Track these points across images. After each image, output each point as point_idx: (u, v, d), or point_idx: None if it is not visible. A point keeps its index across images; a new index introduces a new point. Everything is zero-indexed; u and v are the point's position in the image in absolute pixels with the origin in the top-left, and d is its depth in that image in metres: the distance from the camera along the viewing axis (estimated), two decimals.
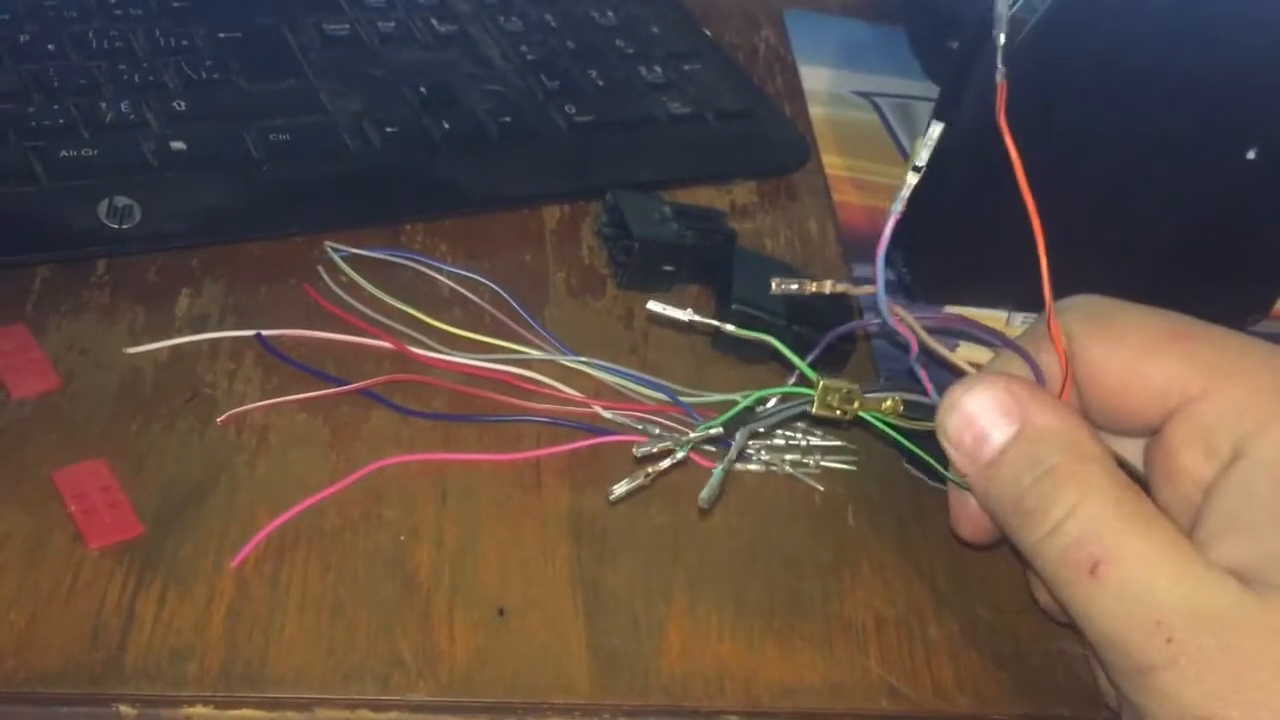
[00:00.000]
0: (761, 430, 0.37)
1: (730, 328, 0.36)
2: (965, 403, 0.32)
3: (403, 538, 0.36)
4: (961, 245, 0.46)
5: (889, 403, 0.35)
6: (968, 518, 0.36)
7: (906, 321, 0.34)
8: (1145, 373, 0.33)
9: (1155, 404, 0.33)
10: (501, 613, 0.35)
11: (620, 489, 0.35)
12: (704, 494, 0.34)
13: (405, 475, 0.38)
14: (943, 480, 0.40)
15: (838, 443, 0.41)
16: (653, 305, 0.36)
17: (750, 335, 0.36)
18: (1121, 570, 0.29)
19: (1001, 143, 0.36)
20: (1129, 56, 0.42)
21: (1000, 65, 0.34)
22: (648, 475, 0.35)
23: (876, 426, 0.35)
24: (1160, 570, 0.28)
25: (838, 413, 0.35)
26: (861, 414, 0.35)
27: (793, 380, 0.36)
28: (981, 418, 0.32)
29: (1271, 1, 0.41)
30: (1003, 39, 0.36)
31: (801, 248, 0.50)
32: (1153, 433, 0.34)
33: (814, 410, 0.35)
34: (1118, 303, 0.35)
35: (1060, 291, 0.35)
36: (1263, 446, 0.30)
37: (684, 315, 0.36)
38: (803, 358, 0.37)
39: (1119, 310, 0.34)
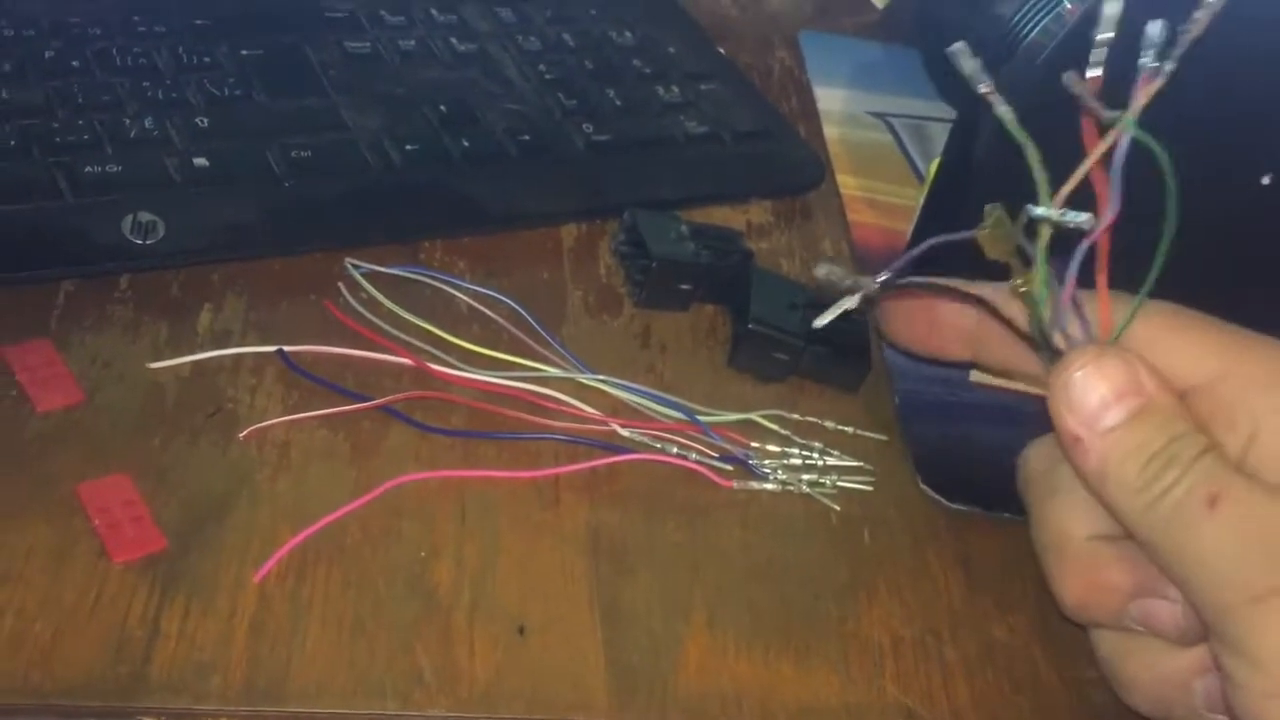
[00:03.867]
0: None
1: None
2: (1095, 367, 0.32)
3: (423, 554, 0.36)
4: (978, 263, 0.46)
5: (1021, 280, 0.33)
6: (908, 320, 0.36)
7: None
8: (1169, 350, 0.33)
9: (1177, 382, 0.33)
10: (521, 630, 0.35)
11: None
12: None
13: (425, 491, 0.38)
14: (958, 500, 0.41)
15: (854, 463, 0.42)
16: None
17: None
18: (1239, 502, 0.30)
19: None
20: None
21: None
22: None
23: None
24: (1272, 506, 0.30)
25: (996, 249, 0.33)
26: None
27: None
28: (1111, 384, 0.32)
29: None
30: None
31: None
32: None
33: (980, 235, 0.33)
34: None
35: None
36: (1276, 419, 0.32)
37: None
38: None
39: (1156, 301, 0.35)
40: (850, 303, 0.34)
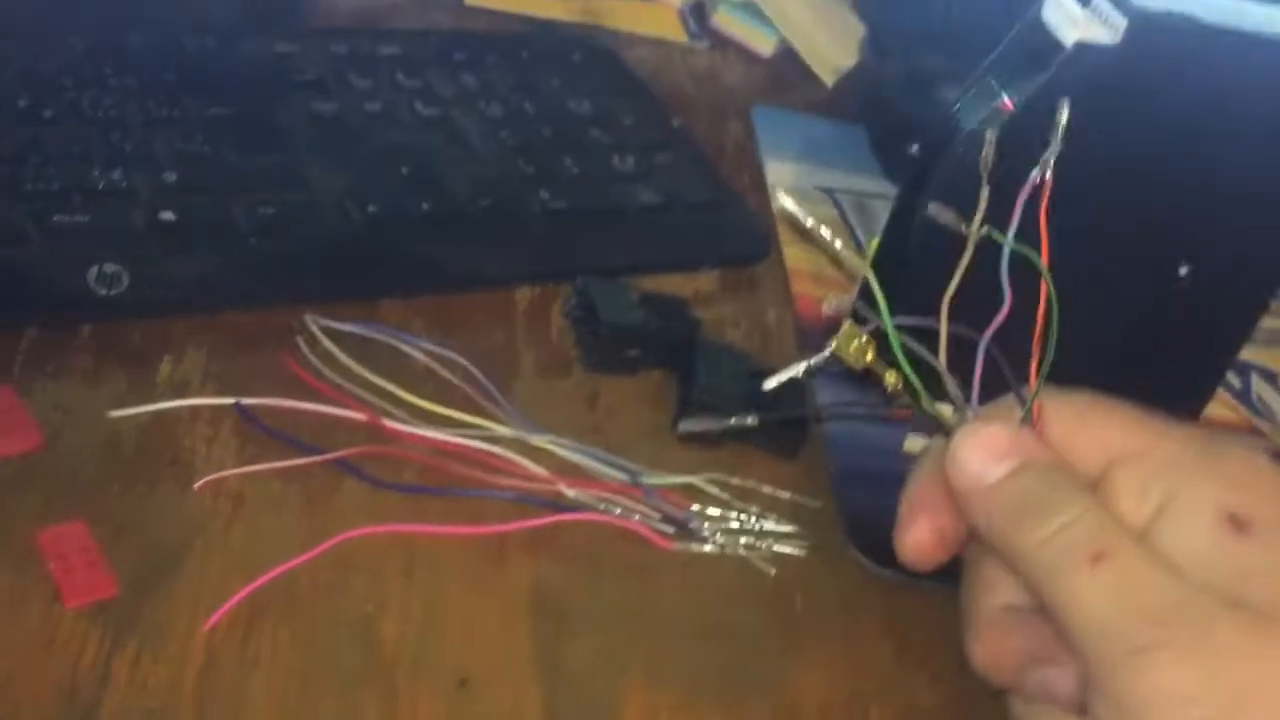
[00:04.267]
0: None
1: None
2: (981, 434, 0.35)
3: (370, 607, 0.38)
4: (912, 334, 0.48)
5: (892, 376, 0.36)
6: (918, 532, 0.37)
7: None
8: (1089, 428, 0.36)
9: (1095, 458, 0.36)
10: (463, 683, 0.36)
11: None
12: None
13: (374, 545, 0.39)
14: (888, 566, 0.42)
15: (790, 528, 0.43)
16: (684, 426, 0.37)
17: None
18: (1121, 562, 0.32)
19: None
20: (1075, 174, 0.45)
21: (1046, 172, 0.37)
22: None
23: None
24: (1155, 568, 0.32)
25: (853, 358, 0.36)
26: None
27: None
28: (993, 446, 0.35)
29: (1204, 132, 0.44)
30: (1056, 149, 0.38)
31: (761, 337, 0.53)
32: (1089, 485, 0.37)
33: (834, 349, 0.36)
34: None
35: (991, 389, 0.37)
36: (1188, 491, 0.34)
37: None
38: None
39: (1070, 388, 0.37)
40: (798, 369, 0.36)
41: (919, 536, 0.37)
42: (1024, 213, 0.38)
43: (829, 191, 0.62)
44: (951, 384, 0.36)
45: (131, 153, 0.48)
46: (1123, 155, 0.44)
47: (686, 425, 0.38)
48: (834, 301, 0.37)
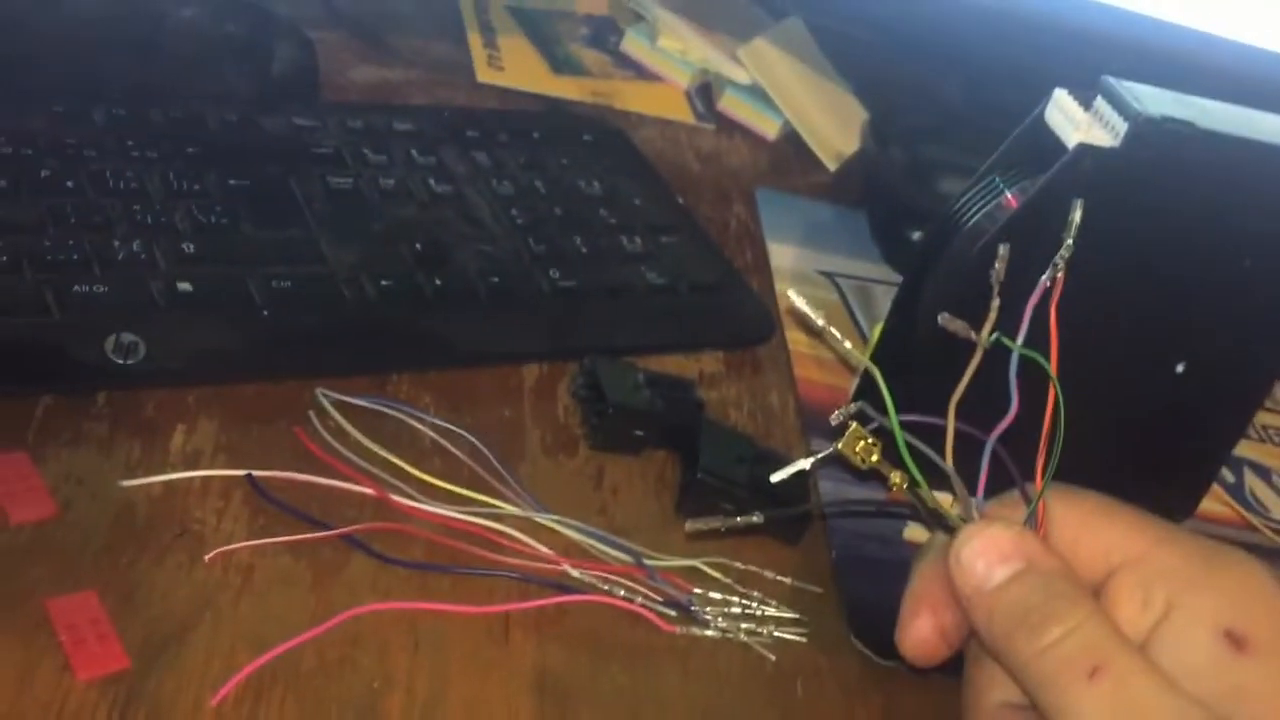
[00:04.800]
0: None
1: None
2: (984, 536, 0.36)
3: (375, 684, 0.38)
4: (917, 430, 0.49)
5: (898, 477, 0.37)
6: (919, 629, 0.38)
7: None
8: (1096, 531, 0.37)
9: (1100, 561, 0.37)
10: None
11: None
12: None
13: (381, 621, 0.40)
14: (888, 657, 0.43)
15: (791, 614, 0.44)
16: (691, 526, 0.38)
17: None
18: (1119, 676, 0.32)
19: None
20: (1074, 271, 0.46)
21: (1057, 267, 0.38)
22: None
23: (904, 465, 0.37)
24: (1152, 682, 0.32)
25: (858, 459, 0.37)
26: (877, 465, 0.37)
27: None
28: (996, 549, 0.35)
29: (1203, 234, 0.45)
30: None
31: (764, 419, 0.53)
32: (1092, 590, 0.37)
33: (839, 449, 0.37)
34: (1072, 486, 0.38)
35: (993, 488, 0.38)
36: (1191, 600, 0.35)
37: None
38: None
39: (1073, 487, 0.38)
40: (805, 464, 0.37)
41: (921, 634, 0.38)
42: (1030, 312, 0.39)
43: (830, 276, 0.63)
44: (959, 484, 0.37)
45: (151, 223, 0.49)
46: (1121, 255, 0.45)
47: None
48: (841, 415, 0.38)
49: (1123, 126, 0.43)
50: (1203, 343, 0.47)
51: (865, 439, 0.37)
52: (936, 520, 0.38)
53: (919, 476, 0.37)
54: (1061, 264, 0.38)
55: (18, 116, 0.51)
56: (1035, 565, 0.35)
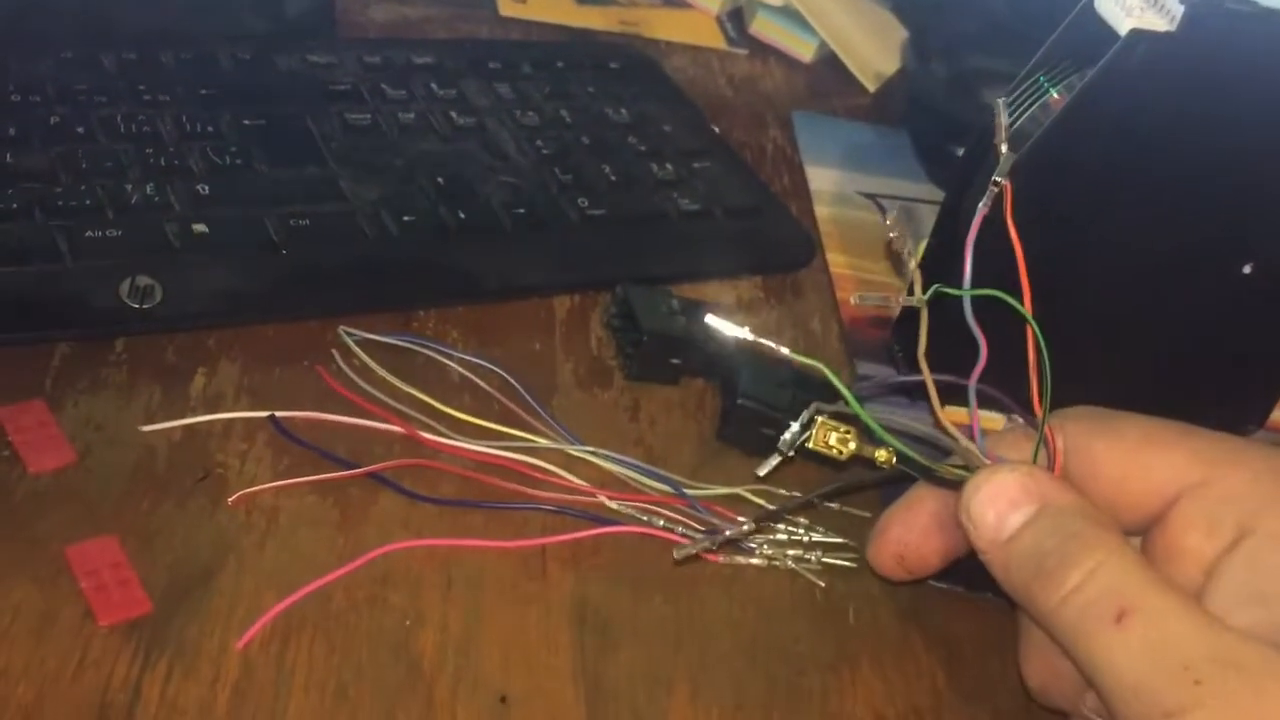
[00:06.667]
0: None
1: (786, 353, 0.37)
2: (989, 485, 0.33)
3: (408, 622, 0.36)
4: (963, 348, 0.47)
5: (883, 453, 0.36)
6: (876, 555, 0.39)
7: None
8: (1147, 464, 0.34)
9: (1155, 494, 0.34)
10: (504, 700, 0.35)
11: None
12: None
13: (411, 560, 0.38)
14: (943, 579, 0.41)
15: (839, 540, 0.42)
16: (711, 319, 0.36)
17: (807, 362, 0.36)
18: (1149, 617, 0.29)
19: (1006, 247, 0.37)
20: (1130, 170, 0.43)
21: (1003, 175, 0.36)
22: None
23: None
24: (1186, 619, 0.29)
25: (834, 451, 0.36)
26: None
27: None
28: (1005, 496, 0.33)
29: (1267, 122, 0.42)
30: (1004, 149, 0.38)
31: (805, 344, 0.51)
32: (1145, 528, 0.35)
33: (811, 444, 0.36)
34: (1114, 410, 0.36)
35: (1055, 401, 0.36)
36: (1268, 523, 0.32)
37: (742, 332, 0.36)
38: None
39: (1117, 415, 0.36)
40: (785, 452, 0.36)
41: (879, 558, 0.39)
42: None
43: (872, 197, 0.61)
44: (954, 433, 0.35)
45: (164, 166, 0.47)
46: (1178, 150, 0.43)
47: (763, 469, 0.37)
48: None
49: (1179, 9, 0.40)
50: (1270, 241, 0.44)
51: (836, 429, 0.35)
52: (942, 482, 0.36)
53: (902, 447, 0.35)
54: (998, 190, 0.36)
55: (27, 64, 0.50)
56: (1049, 505, 0.32)
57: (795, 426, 0.35)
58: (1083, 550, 0.31)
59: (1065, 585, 0.31)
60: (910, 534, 0.38)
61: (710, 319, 0.35)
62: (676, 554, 0.36)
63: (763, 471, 0.36)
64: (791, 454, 0.36)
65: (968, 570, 0.41)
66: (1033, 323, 0.34)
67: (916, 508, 0.38)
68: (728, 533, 0.37)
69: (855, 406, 0.34)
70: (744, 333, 0.35)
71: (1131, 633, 0.29)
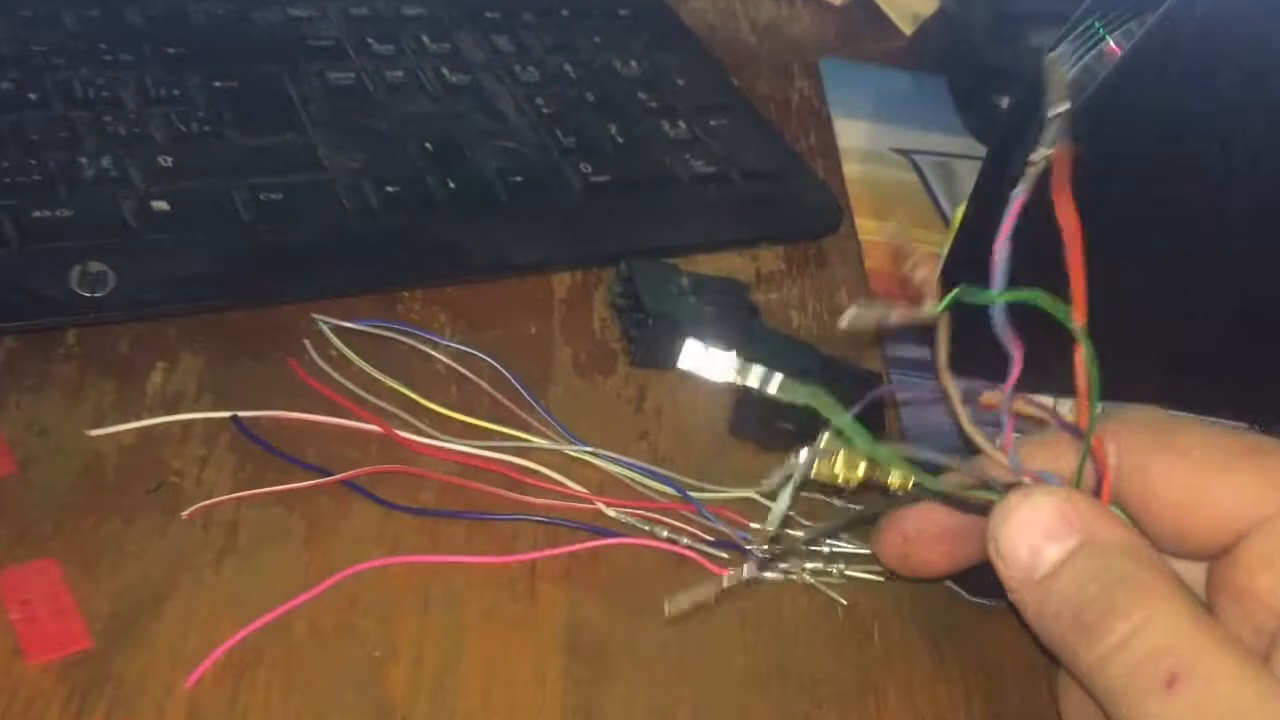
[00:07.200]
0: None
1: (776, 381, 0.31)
2: (1022, 512, 0.29)
3: (377, 653, 0.33)
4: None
5: (897, 478, 0.31)
6: (882, 548, 0.35)
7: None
8: (1213, 491, 0.30)
9: (1223, 525, 0.29)
10: None
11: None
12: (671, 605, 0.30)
13: (385, 579, 0.34)
14: (981, 594, 0.37)
15: (864, 550, 0.37)
16: (686, 360, 0.31)
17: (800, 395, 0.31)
18: (1204, 683, 0.25)
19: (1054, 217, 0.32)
20: (1189, 129, 0.38)
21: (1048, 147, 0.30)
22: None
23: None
24: (1248, 687, 0.25)
25: (841, 480, 0.31)
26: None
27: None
28: (1039, 526, 0.28)
29: None
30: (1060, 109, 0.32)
31: (831, 321, 0.47)
32: (1211, 557, 0.30)
33: (815, 474, 0.31)
34: (1177, 416, 0.31)
35: (1106, 377, 0.31)
36: None
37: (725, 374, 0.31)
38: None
39: (1180, 425, 0.31)
40: (794, 470, 0.31)
41: (884, 552, 0.35)
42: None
43: (907, 154, 0.56)
44: (986, 446, 0.30)
45: (124, 135, 0.43)
46: (1248, 107, 0.38)
47: (765, 484, 0.32)
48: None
49: None
50: None
51: (841, 453, 0.31)
52: (967, 508, 0.31)
53: (920, 475, 0.30)
54: (1043, 166, 0.30)
55: None
56: (1091, 540, 0.28)
57: (804, 455, 0.31)
58: (1130, 598, 0.26)
59: (1108, 640, 0.26)
60: (921, 534, 0.34)
61: (685, 360, 0.30)
62: (668, 607, 0.31)
63: (765, 487, 0.31)
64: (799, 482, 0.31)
65: (978, 578, 0.37)
66: (1085, 341, 0.28)
67: (934, 506, 0.33)
68: (728, 575, 0.32)
69: (862, 443, 0.29)
70: (727, 373, 0.30)
71: (1183, 699, 0.25)
